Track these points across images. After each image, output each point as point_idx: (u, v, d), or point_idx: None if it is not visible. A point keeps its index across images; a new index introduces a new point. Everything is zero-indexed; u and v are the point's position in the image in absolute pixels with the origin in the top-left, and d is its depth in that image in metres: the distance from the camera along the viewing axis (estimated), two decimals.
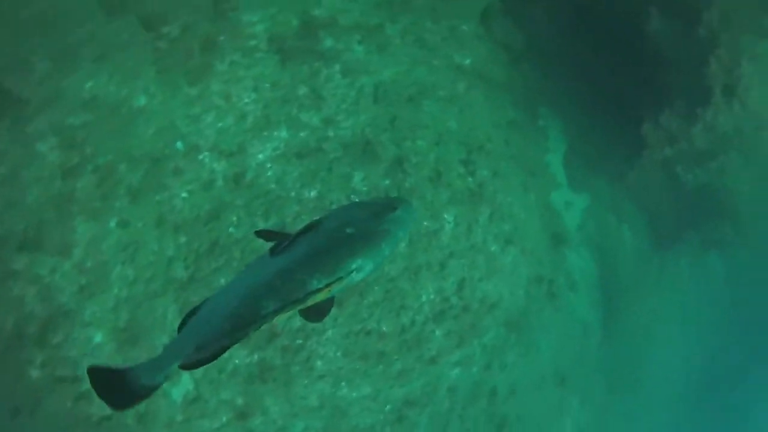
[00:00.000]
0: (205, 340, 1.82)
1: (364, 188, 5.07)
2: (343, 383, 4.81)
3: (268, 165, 5.02)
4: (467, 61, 6.27)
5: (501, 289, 5.53)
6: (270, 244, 2.16)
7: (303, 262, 1.98)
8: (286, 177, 4.99)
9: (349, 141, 5.25)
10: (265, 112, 5.19)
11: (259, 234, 2.41)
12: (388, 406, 4.96)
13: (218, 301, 1.99)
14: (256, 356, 4.61)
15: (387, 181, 5.16)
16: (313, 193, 4.95)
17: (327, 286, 1.95)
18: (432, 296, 5.11)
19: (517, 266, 5.70)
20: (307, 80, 5.39)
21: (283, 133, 5.16)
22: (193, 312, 2.04)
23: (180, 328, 2.01)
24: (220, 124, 5.08)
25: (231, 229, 4.77)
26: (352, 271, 2.01)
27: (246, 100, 5.20)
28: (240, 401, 4.56)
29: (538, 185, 6.36)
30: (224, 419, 4.51)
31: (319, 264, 1.97)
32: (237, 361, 4.59)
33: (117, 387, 1.83)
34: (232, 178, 4.94)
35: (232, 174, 4.94)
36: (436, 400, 5.16)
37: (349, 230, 2.10)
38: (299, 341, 4.69)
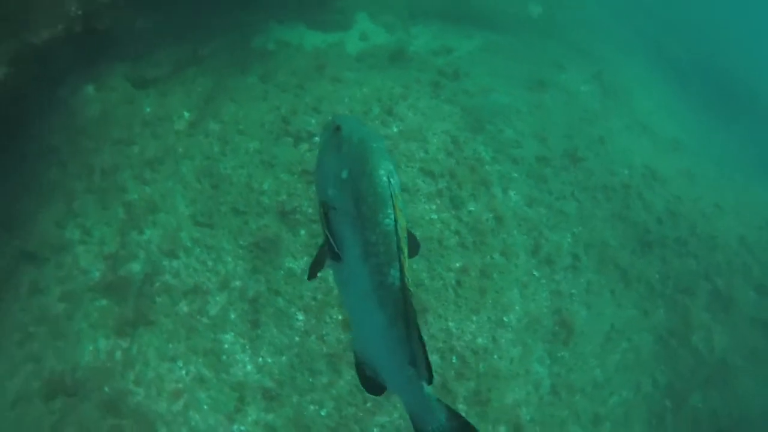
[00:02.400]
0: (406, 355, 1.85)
1: None
2: None
3: None
4: None
5: None
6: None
7: (360, 223, 1.88)
8: None
9: None
10: None
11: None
12: None
13: (369, 329, 1.95)
14: None
15: None
16: None
17: (395, 212, 1.83)
18: None
19: None
20: None
21: None
22: (360, 362, 2.05)
23: (366, 384, 2.04)
24: None
25: None
26: (389, 180, 1.87)
27: None
28: None
29: None
30: None
31: (368, 210, 1.86)
32: None
33: None
34: None
35: None
36: None
37: (344, 175, 1.93)
38: None
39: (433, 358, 4.99)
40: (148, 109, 6.15)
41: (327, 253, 1.98)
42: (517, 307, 5.94)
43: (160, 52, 6.96)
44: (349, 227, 1.89)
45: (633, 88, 9.68)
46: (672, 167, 8.37)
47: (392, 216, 1.82)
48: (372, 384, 2.04)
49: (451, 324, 5.08)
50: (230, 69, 7.04)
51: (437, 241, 5.31)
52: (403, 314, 1.80)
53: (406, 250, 1.82)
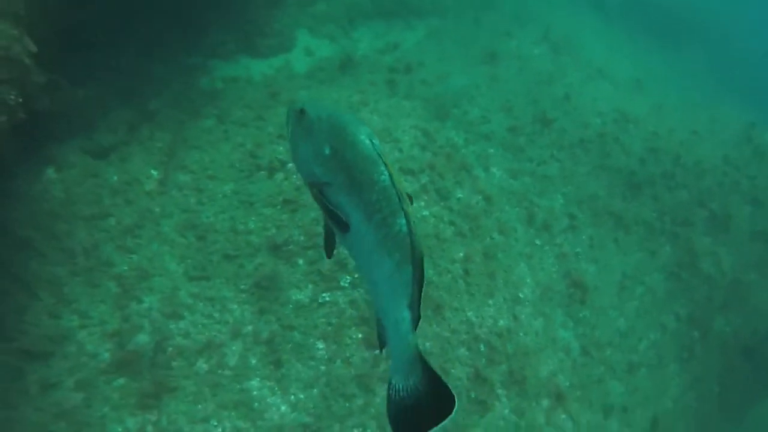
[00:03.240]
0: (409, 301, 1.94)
1: None
2: None
3: None
4: None
5: None
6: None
7: (358, 201, 1.98)
8: None
9: None
10: None
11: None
12: None
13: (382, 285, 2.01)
14: None
15: None
16: None
17: (387, 168, 1.95)
18: None
19: None
20: None
21: None
22: (377, 319, 2.10)
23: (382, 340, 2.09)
24: None
25: None
26: (372, 142, 2.00)
27: None
28: None
29: None
30: None
31: (361, 174, 1.96)
32: None
33: None
34: None
35: None
36: None
37: (326, 151, 2.04)
38: None
39: (461, 351, 5.01)
40: (115, 177, 6.07)
41: (334, 228, 2.10)
42: (528, 280, 6.00)
43: (110, 117, 6.88)
44: (346, 196, 1.99)
45: (582, 39, 9.85)
46: (640, 106, 8.53)
47: (386, 172, 1.93)
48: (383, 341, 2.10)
49: (469, 314, 5.11)
50: (184, 117, 6.99)
51: (434, 237, 5.33)
52: (410, 256, 1.90)
53: (407, 199, 1.94)
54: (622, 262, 7.07)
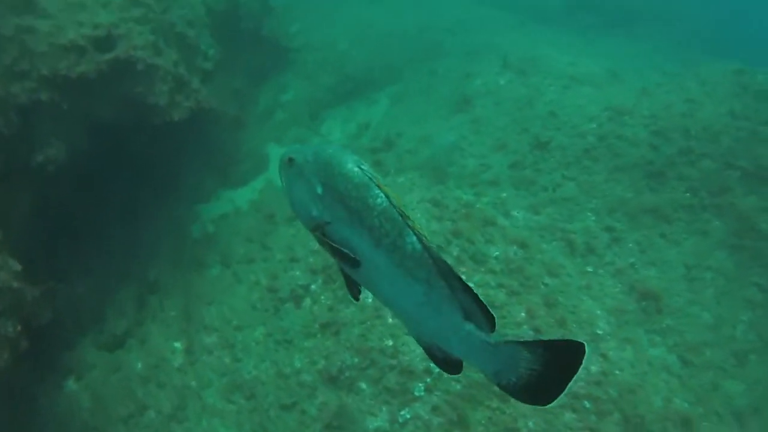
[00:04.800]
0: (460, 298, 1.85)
1: None
2: None
3: None
4: None
5: None
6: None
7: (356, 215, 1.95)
8: None
9: None
10: None
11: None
12: None
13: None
14: None
15: None
16: None
17: (381, 189, 1.92)
18: None
19: None
20: None
21: None
22: (427, 348, 2.04)
23: (443, 365, 2.01)
24: None
25: None
26: (360, 168, 1.98)
27: None
28: None
29: None
30: None
31: (356, 203, 1.94)
32: None
33: None
34: None
35: None
36: None
37: (319, 190, 2.03)
38: None
39: (567, 417, 4.61)
40: (139, 365, 5.83)
41: (346, 268, 2.03)
42: (598, 312, 5.66)
43: (115, 301, 6.75)
44: (349, 230, 1.96)
45: (542, 54, 9.98)
46: (625, 95, 8.49)
47: (381, 194, 1.89)
48: (448, 362, 2.00)
49: None
50: (188, 274, 6.85)
51: (491, 307, 5.05)
52: (436, 270, 1.83)
53: (410, 215, 1.88)
54: (679, 254, 6.75)
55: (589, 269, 6.17)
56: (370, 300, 5.16)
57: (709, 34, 14.84)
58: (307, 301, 5.49)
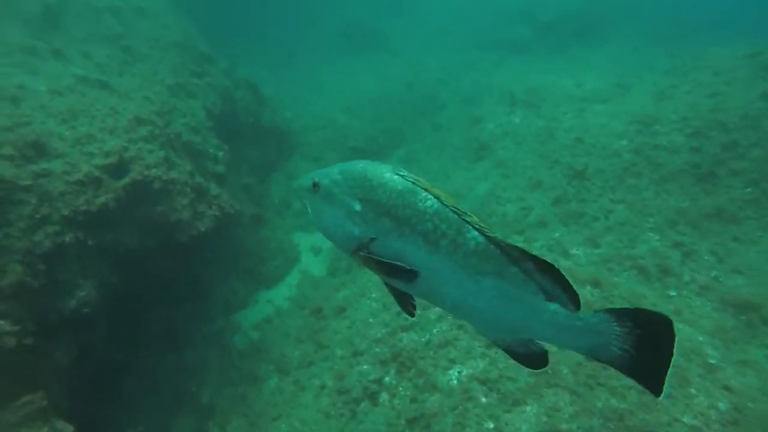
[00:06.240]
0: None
1: None
2: None
3: None
4: None
5: None
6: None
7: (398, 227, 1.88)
8: None
9: None
10: None
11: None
12: None
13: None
14: None
15: None
16: None
17: (429, 191, 1.87)
18: None
19: None
20: None
21: None
22: (506, 347, 2.01)
23: (527, 361, 1.96)
24: None
25: None
26: (398, 174, 1.92)
27: None
28: None
29: None
30: None
31: (405, 211, 1.86)
32: None
33: None
34: None
35: None
36: None
37: (357, 207, 1.95)
38: None
39: None
40: None
41: (401, 285, 1.92)
42: (700, 339, 5.17)
43: None
44: (399, 240, 1.85)
45: (543, 83, 9.88)
46: (645, 104, 8.29)
47: (430, 196, 1.82)
48: (531, 357, 1.92)
49: (686, 419, 4.23)
50: (244, 391, 6.40)
51: (585, 365, 4.59)
52: (506, 259, 1.74)
53: (466, 210, 1.82)
54: (760, 254, 6.29)
55: (673, 293, 5.71)
56: (455, 381, 4.71)
57: (671, 22, 14.94)
58: (384, 396, 5.02)
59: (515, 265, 1.77)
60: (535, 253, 1.86)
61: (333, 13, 17.28)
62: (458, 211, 1.82)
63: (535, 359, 1.92)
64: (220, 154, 7.72)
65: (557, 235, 6.45)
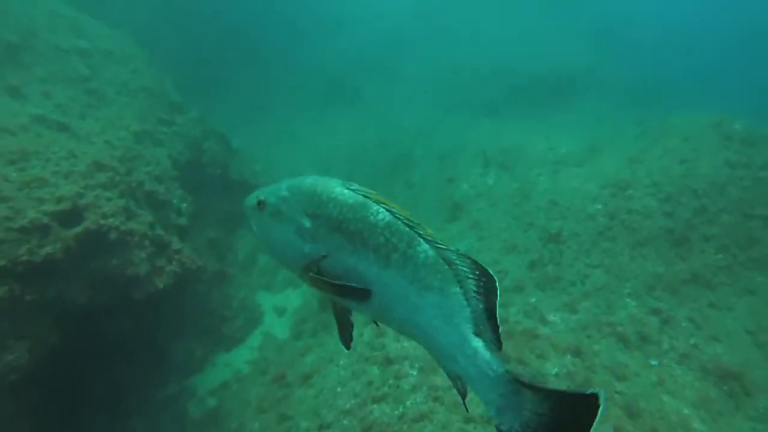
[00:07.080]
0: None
1: None
2: None
3: None
4: None
5: None
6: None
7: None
8: None
9: None
10: None
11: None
12: None
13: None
14: None
15: None
16: None
17: (380, 204, 1.80)
18: None
19: None
20: None
21: None
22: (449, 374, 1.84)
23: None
24: None
25: None
26: (349, 189, 1.85)
27: None
28: None
29: None
30: None
31: (356, 225, 1.79)
32: None
33: None
34: None
35: None
36: None
37: (306, 224, 1.88)
38: None
39: None
40: None
41: (352, 304, 1.84)
42: (686, 411, 4.98)
43: None
44: (351, 257, 1.79)
45: (516, 144, 9.97)
46: (616, 167, 8.38)
47: (381, 209, 1.77)
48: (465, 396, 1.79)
49: None
50: None
51: None
52: (452, 275, 1.70)
53: (417, 222, 1.76)
54: (736, 321, 6.24)
55: (654, 362, 5.55)
56: None
57: (636, 83, 15.56)
58: None
59: (459, 285, 1.72)
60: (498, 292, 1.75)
61: (313, 66, 17.44)
62: (411, 224, 1.76)
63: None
64: (184, 205, 7.40)
65: (534, 300, 6.27)
